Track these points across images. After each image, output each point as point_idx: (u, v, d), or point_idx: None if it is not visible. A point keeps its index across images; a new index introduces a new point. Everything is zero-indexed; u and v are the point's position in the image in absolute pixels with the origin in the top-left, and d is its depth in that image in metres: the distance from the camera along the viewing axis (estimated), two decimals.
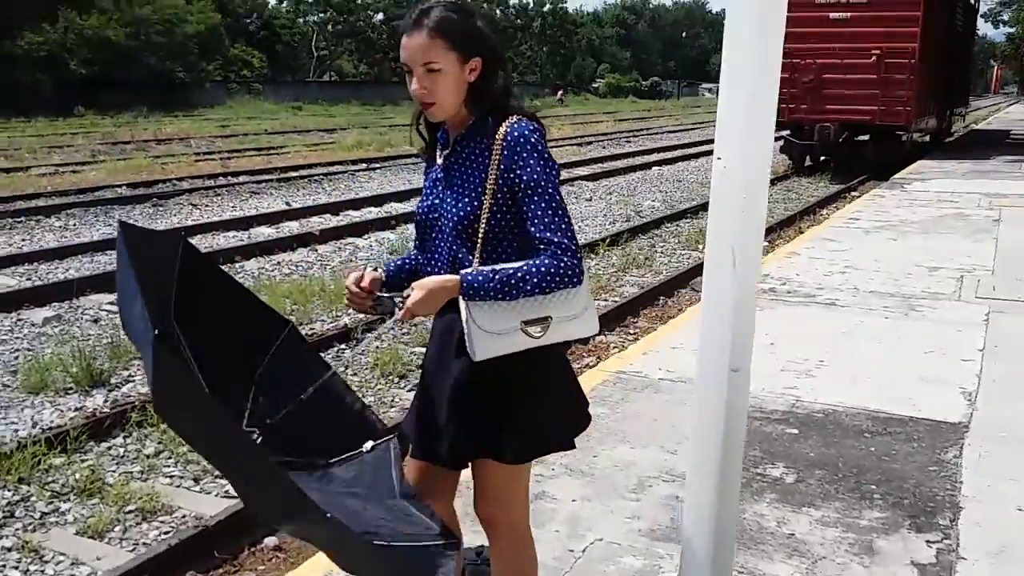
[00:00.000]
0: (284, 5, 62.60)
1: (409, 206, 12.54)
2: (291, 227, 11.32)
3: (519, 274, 1.94)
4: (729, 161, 1.92)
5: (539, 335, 2.01)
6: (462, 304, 1.98)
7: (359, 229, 10.90)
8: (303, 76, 60.07)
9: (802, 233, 10.60)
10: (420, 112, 2.12)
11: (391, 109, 46.47)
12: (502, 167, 1.99)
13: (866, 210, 10.48)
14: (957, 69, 21.95)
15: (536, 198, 1.96)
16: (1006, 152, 18.43)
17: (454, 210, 2.03)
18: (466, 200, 2.02)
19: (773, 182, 15.75)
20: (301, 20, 62.71)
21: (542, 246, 1.95)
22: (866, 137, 16.42)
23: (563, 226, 1.96)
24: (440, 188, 2.10)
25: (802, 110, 16.24)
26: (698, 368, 2.11)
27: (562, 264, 1.94)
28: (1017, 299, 6.32)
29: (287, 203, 13.31)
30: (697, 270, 8.18)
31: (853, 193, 14.58)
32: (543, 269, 1.94)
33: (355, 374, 5.84)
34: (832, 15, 15.69)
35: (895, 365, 4.93)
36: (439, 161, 2.14)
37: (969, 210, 10.32)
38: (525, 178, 1.97)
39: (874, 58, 15.42)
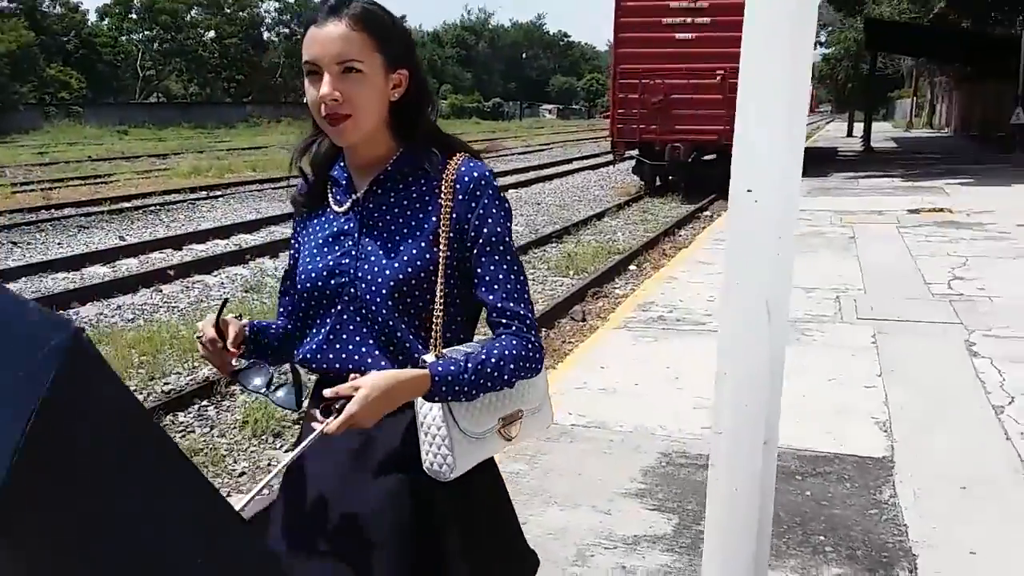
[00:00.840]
0: (105, 22, 59.22)
1: (260, 237, 11.78)
2: (129, 265, 10.36)
3: (493, 360, 1.51)
4: (762, 195, 1.57)
5: (514, 435, 1.63)
6: (424, 404, 1.52)
7: (207, 265, 10.08)
8: (127, 98, 56.93)
9: (667, 255, 10.62)
10: (315, 134, 1.65)
11: (226, 132, 44.79)
12: (455, 215, 1.56)
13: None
14: None
15: (497, 257, 1.56)
16: (840, 169, 19.40)
17: (389, 271, 1.54)
18: (407, 258, 1.55)
19: (628, 203, 15.92)
20: (124, 38, 59.45)
21: (503, 320, 1.55)
22: (712, 156, 16.84)
23: (525, 295, 1.58)
24: (350, 244, 1.60)
25: (652, 130, 16.52)
26: (719, 445, 1.76)
27: (529, 344, 1.55)
28: (896, 319, 6.39)
29: (121, 237, 12.27)
30: (575, 298, 7.96)
31: (705, 213, 14.87)
32: (514, 352, 1.53)
33: (222, 435, 5.20)
34: (678, 35, 16.05)
35: (804, 396, 4.79)
36: (338, 208, 1.63)
37: (824, 227, 10.61)
38: (486, 231, 1.55)
39: (719, 78, 15.84)
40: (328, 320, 1.60)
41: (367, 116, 1.53)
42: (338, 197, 1.65)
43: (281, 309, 1.78)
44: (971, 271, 7.98)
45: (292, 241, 1.74)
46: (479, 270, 1.56)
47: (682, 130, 16.33)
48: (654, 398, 4.81)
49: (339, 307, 1.59)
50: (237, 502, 1.45)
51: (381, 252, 1.56)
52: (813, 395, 4.80)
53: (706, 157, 16.82)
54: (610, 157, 19.15)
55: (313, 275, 1.61)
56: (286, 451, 5.02)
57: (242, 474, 4.71)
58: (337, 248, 1.61)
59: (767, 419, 1.67)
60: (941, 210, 11.75)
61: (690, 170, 16.70)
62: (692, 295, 7.17)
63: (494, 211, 1.56)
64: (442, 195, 1.56)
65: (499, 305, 1.54)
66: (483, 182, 1.57)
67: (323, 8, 1.53)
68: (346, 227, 1.61)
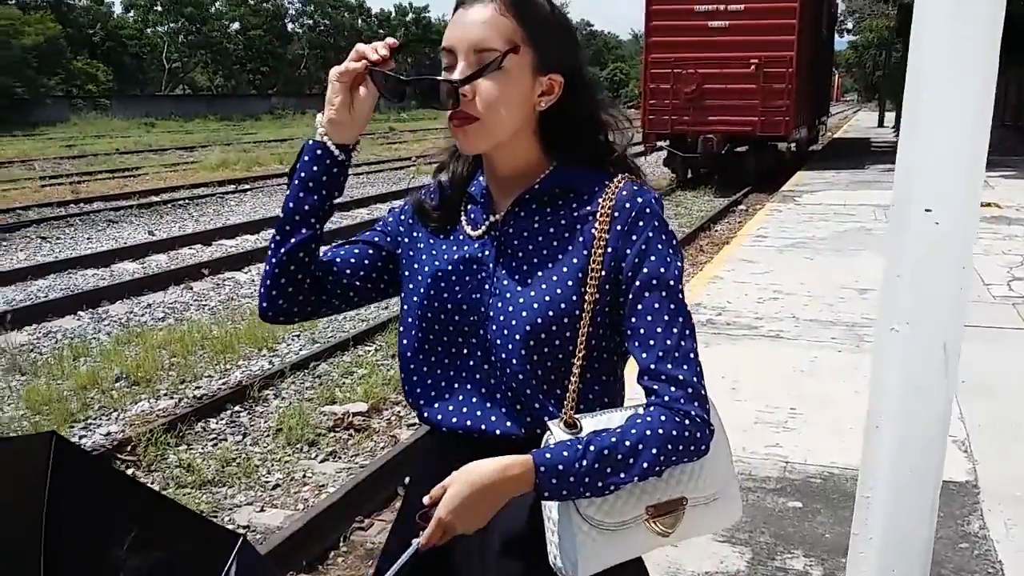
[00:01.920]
0: (131, 15, 59.33)
1: None
2: (159, 261, 10.21)
3: (628, 442, 1.19)
4: (945, 219, 1.32)
5: (673, 530, 1.28)
6: None
7: (237, 261, 9.90)
8: (154, 90, 57.06)
9: (703, 251, 10.32)
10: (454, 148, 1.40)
11: (252, 124, 44.80)
12: (610, 249, 1.27)
13: (769, 226, 10.27)
14: (822, 78, 22.55)
15: (657, 304, 1.24)
16: (876, 161, 18.93)
17: (526, 313, 1.27)
18: (549, 298, 1.28)
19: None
20: (150, 31, 59.53)
21: (655, 385, 1.23)
22: (746, 148, 16.46)
23: (690, 355, 1.24)
24: (483, 275, 1.34)
25: (685, 121, 16.15)
26: (873, 510, 1.51)
27: (687, 421, 1.21)
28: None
29: (150, 232, 12.13)
30: None
31: (740, 207, 14.53)
32: (662, 431, 1.20)
33: (255, 443, 5.00)
34: (711, 24, 15.65)
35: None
36: (472, 231, 1.37)
37: (869, 223, 10.27)
38: (646, 270, 1.25)
39: (753, 67, 15.45)
40: (447, 363, 1.35)
41: (499, 122, 1.26)
42: (473, 216, 1.39)
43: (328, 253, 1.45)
44: None
45: (389, 231, 1.46)
46: (633, 319, 1.26)
47: (715, 121, 15.94)
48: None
49: (464, 350, 1.34)
50: None
51: (519, 288, 1.30)
52: None
53: (739, 149, 16.46)
54: (638, 148, 18.85)
55: (436, 306, 1.35)
56: (322, 461, 4.82)
57: (276, 486, 4.51)
58: (468, 279, 1.35)
59: (933, 490, 1.40)
60: (989, 204, 11.34)
61: (723, 162, 16.33)
62: (740, 296, 6.88)
63: (659, 246, 1.26)
64: (597, 224, 1.29)
65: (652, 366, 1.23)
66: (647, 210, 1.28)
67: None
68: (479, 254, 1.35)
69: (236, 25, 62.04)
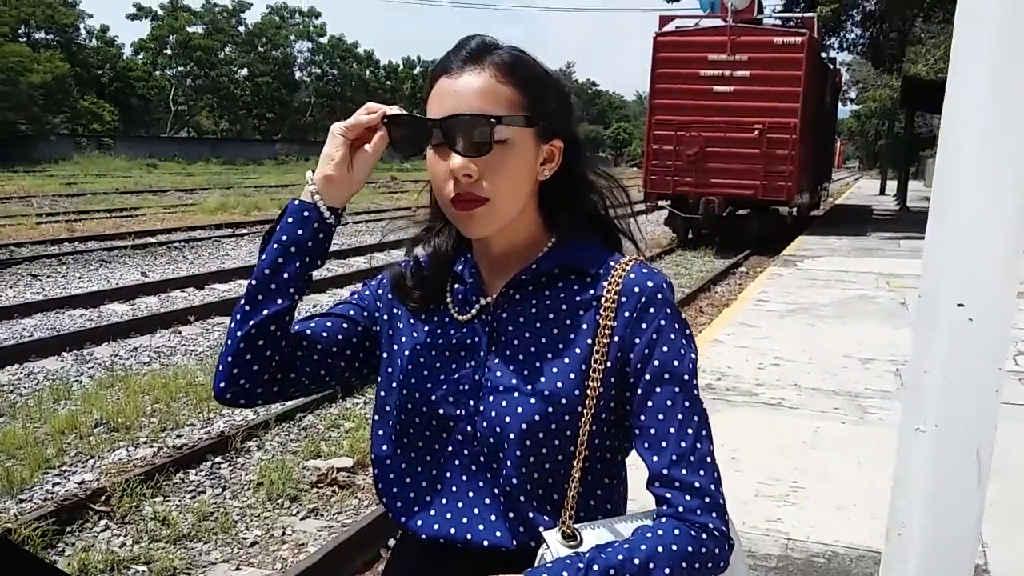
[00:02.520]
0: (140, 57, 60.00)
1: None
2: (149, 303, 10.05)
3: (637, 559, 1.02)
4: (979, 315, 1.18)
5: None
6: None
7: (229, 307, 9.67)
8: (158, 132, 57.43)
9: (703, 313, 10.19)
10: (434, 220, 1.26)
11: (255, 168, 45.06)
12: (616, 338, 1.13)
13: (770, 290, 10.16)
14: (824, 145, 22.68)
15: (669, 401, 1.10)
16: (878, 228, 18.93)
17: (522, 409, 1.12)
18: (548, 392, 1.13)
19: (660, 256, 15.52)
20: (158, 73, 60.13)
21: (667, 493, 1.09)
22: (747, 211, 16.45)
23: (707, 459, 1.10)
24: (471, 364, 1.19)
25: (687, 183, 16.17)
26: None
27: (703, 535, 1.06)
28: None
29: (143, 274, 12.00)
30: None
31: (741, 269, 14.44)
32: (675, 546, 1.04)
33: (234, 497, 4.80)
34: (716, 88, 15.75)
35: (876, 487, 4.33)
36: (460, 314, 1.23)
37: (871, 291, 10.16)
38: (657, 363, 1.11)
39: (757, 132, 15.51)
40: (428, 461, 1.19)
41: (508, 201, 1.13)
42: (460, 298, 1.24)
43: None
44: None
45: (366, 305, 1.31)
46: (642, 416, 1.11)
47: (717, 183, 15.97)
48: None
49: (448, 447, 1.19)
50: None
51: (514, 381, 1.14)
52: (882, 487, 4.32)
53: (741, 212, 16.45)
54: (640, 207, 18.83)
55: (418, 397, 1.20)
56: (303, 518, 4.62)
57: (254, 543, 4.32)
58: (454, 368, 1.20)
59: None
60: None
61: (724, 224, 16.31)
62: (740, 361, 6.73)
63: (671, 336, 1.13)
64: (602, 310, 1.14)
65: (664, 471, 1.08)
66: (659, 296, 1.14)
67: (458, 53, 1.14)
68: (468, 341, 1.20)
69: (244, 71, 62.68)
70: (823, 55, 20.31)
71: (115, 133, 49.36)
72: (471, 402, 1.17)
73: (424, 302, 1.26)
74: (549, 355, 1.15)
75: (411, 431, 1.20)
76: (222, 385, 1.20)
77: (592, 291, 1.17)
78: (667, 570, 1.03)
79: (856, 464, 4.61)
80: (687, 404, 1.11)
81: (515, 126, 1.11)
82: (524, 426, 1.12)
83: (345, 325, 1.27)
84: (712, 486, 1.08)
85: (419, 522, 1.18)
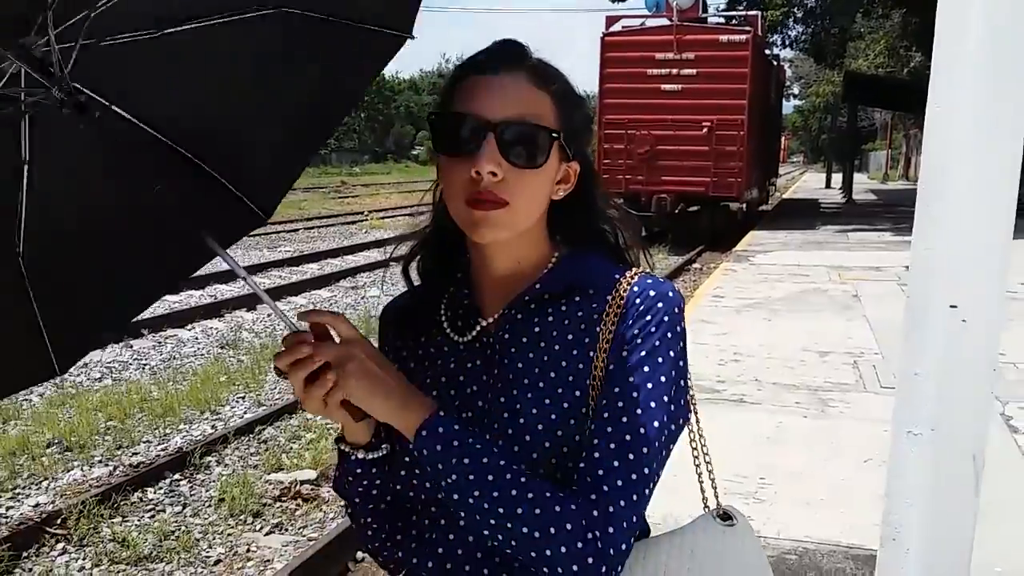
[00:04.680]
0: None
1: (236, 289, 11.24)
2: None
3: (517, 482, 0.99)
4: (973, 317, 1.18)
5: None
6: None
7: (180, 318, 9.54)
8: None
9: None
10: (426, 235, 1.20)
11: None
12: (614, 346, 1.08)
13: (725, 286, 10.25)
14: (771, 141, 23.00)
15: (632, 391, 1.04)
16: (826, 222, 19.22)
17: (530, 437, 1.07)
18: (555, 416, 1.07)
19: None
20: None
21: (586, 478, 1.02)
22: (698, 208, 16.60)
23: (641, 465, 1.02)
24: (472, 389, 1.13)
25: (639, 181, 16.26)
26: None
27: (591, 533, 0.98)
28: None
29: None
30: None
31: (695, 265, 14.56)
32: (558, 508, 0.98)
33: (195, 514, 4.69)
34: (664, 87, 15.88)
35: (841, 481, 4.37)
36: (458, 337, 1.17)
37: (824, 284, 10.30)
38: (636, 353, 1.06)
39: (705, 129, 15.66)
40: (443, 520, 1.13)
41: (526, 209, 1.08)
42: (457, 322, 1.18)
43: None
44: None
45: None
46: (603, 400, 1.05)
47: (669, 181, 16.08)
48: (678, 482, 4.37)
49: None
50: None
51: (518, 407, 1.08)
52: (854, 480, 4.38)
53: (692, 208, 16.60)
54: None
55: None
56: (267, 533, 4.53)
57: (217, 562, 4.23)
58: (455, 396, 1.13)
59: None
60: None
61: (676, 221, 16.43)
62: (700, 358, 6.76)
63: (664, 333, 1.07)
64: (602, 324, 1.09)
65: (596, 455, 1.02)
66: (659, 304, 1.08)
67: (493, 53, 1.09)
68: (468, 366, 1.14)
69: None
70: (767, 52, 20.58)
71: None
72: (491, 415, 1.11)
73: (419, 329, 1.20)
74: (552, 375, 1.10)
75: (415, 474, 1.14)
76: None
77: (595, 304, 1.12)
78: (537, 514, 0.98)
79: (822, 459, 4.66)
80: (649, 414, 1.04)
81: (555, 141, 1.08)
82: (535, 455, 1.07)
83: None
84: (630, 496, 1.01)
85: (429, 563, 1.14)
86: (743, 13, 19.98)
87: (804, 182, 45.92)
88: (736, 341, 7.36)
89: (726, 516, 1.23)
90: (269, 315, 10.01)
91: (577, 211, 1.15)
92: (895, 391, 1.33)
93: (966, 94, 1.19)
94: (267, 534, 4.52)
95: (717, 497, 1.25)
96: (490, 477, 0.99)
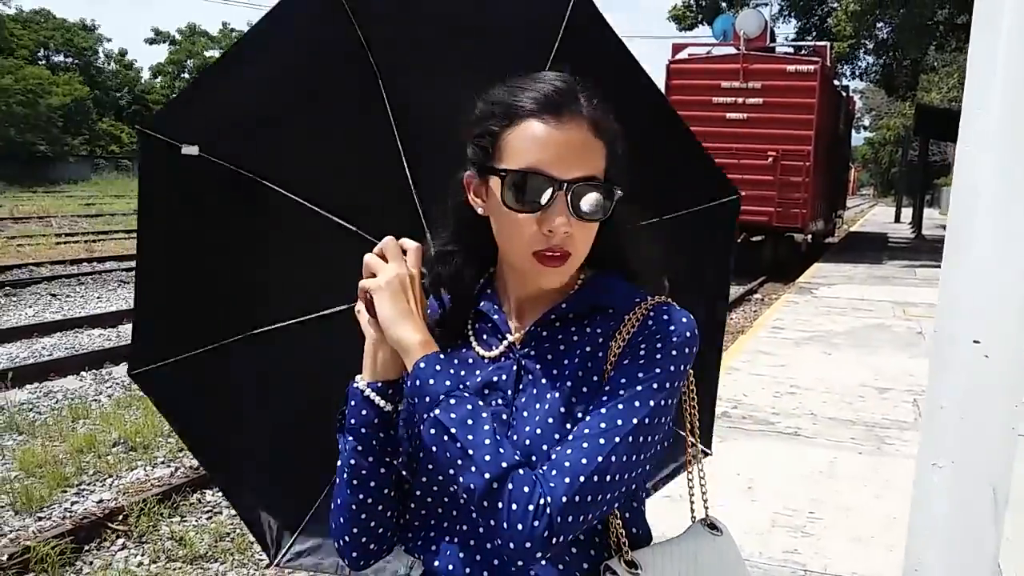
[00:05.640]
0: (158, 80, 60.69)
1: None
2: None
3: (480, 428, 1.05)
4: (996, 353, 1.20)
5: None
6: None
7: None
8: None
9: None
10: (453, 252, 1.23)
11: None
12: (621, 354, 1.13)
13: (786, 318, 10.14)
14: (839, 172, 22.69)
15: (622, 391, 1.09)
16: (894, 256, 18.87)
17: (550, 445, 1.10)
18: (579, 414, 1.12)
19: None
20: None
21: (550, 457, 1.07)
22: (762, 238, 16.44)
23: (610, 468, 1.06)
24: (499, 402, 1.17)
25: None
26: None
27: (538, 502, 1.02)
28: None
29: None
30: None
31: (755, 295, 14.42)
32: (513, 482, 1.03)
33: None
34: (729, 115, 15.78)
35: (893, 520, 4.31)
36: (485, 352, 1.22)
37: (888, 320, 10.12)
38: (635, 362, 1.11)
39: (770, 159, 15.53)
40: (468, 524, 1.17)
41: (584, 253, 1.14)
42: (485, 337, 1.23)
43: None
44: None
45: None
46: (591, 412, 1.11)
47: None
48: (726, 511, 4.35)
49: None
50: None
51: (546, 418, 1.12)
52: (906, 518, 4.30)
53: (755, 238, 16.43)
54: None
55: None
56: None
57: (269, 564, 4.31)
58: (492, 406, 1.17)
59: None
60: None
61: (739, 251, 16.28)
62: (756, 389, 6.72)
63: (669, 351, 1.11)
64: (614, 341, 1.15)
65: (570, 438, 1.08)
66: (671, 327, 1.13)
67: (556, 91, 1.11)
68: (495, 379, 1.19)
69: None
70: (836, 83, 20.35)
71: (133, 155, 49.81)
72: (518, 430, 1.14)
73: (447, 339, 1.24)
74: (577, 391, 1.14)
75: (437, 483, 1.20)
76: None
77: (612, 323, 1.17)
78: (485, 462, 1.03)
79: (874, 496, 4.59)
80: (636, 404, 1.09)
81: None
82: None
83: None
84: (573, 484, 1.04)
85: (437, 562, 1.19)
86: (812, 43, 19.81)
87: (873, 215, 45.07)
88: (793, 373, 7.28)
89: (712, 526, 1.28)
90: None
91: (606, 237, 1.18)
92: (923, 425, 1.35)
93: (993, 131, 1.22)
94: None
95: (707, 508, 1.29)
96: (470, 421, 1.06)
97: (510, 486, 1.02)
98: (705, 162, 1.62)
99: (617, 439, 1.06)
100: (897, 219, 35.92)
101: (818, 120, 15.52)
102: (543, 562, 1.11)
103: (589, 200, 1.09)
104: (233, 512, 4.85)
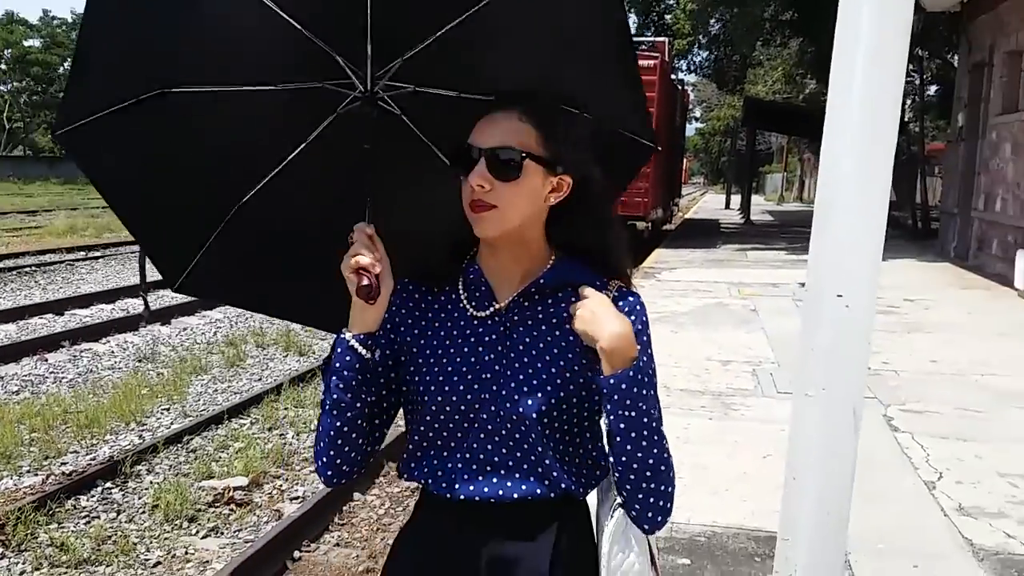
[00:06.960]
0: None
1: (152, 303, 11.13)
2: (7, 331, 9.66)
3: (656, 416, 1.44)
4: (854, 303, 1.53)
5: None
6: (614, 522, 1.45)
7: (94, 332, 9.47)
8: None
9: None
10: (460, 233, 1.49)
11: None
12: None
13: None
14: (675, 162, 23.85)
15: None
16: (727, 241, 20.07)
17: (542, 394, 1.41)
18: (560, 381, 1.42)
19: None
20: None
21: None
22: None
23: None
24: (491, 357, 1.45)
25: None
26: (793, 554, 1.68)
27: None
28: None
29: None
30: None
31: None
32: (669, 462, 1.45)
33: (130, 520, 4.81)
34: None
35: (743, 474, 4.80)
36: (477, 312, 1.48)
37: (725, 299, 10.89)
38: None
39: None
40: (460, 438, 1.45)
41: (512, 212, 1.41)
42: (473, 302, 1.50)
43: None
44: (872, 345, 8.27)
45: (390, 327, 1.51)
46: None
47: None
48: None
49: (476, 425, 1.44)
50: None
51: (531, 371, 1.42)
52: (754, 473, 4.81)
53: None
54: None
55: (447, 389, 1.44)
56: (203, 537, 4.67)
57: (157, 564, 4.36)
58: (475, 360, 1.45)
59: (844, 532, 1.60)
60: None
61: None
62: None
63: (644, 339, 1.44)
64: None
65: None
66: (632, 316, 1.44)
67: (496, 99, 1.44)
68: (486, 338, 1.46)
69: None
70: (673, 77, 21.40)
71: None
72: (493, 388, 1.42)
73: (438, 298, 1.52)
74: (556, 350, 1.44)
75: (442, 416, 1.44)
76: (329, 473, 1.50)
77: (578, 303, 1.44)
78: (669, 460, 1.44)
79: (725, 455, 5.08)
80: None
81: (530, 160, 1.40)
82: (543, 407, 1.40)
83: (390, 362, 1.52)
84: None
85: (456, 486, 1.44)
86: (651, 39, 20.74)
87: (705, 203, 47.47)
88: None
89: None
90: (185, 329, 10.02)
91: (571, 218, 1.47)
92: (797, 363, 1.68)
93: (854, 124, 1.54)
94: (203, 537, 4.66)
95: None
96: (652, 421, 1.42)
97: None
98: (639, 99, 1.82)
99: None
100: (727, 206, 37.88)
101: (658, 113, 16.30)
102: (546, 482, 1.44)
103: (500, 163, 1.39)
104: (112, 516, 4.84)
